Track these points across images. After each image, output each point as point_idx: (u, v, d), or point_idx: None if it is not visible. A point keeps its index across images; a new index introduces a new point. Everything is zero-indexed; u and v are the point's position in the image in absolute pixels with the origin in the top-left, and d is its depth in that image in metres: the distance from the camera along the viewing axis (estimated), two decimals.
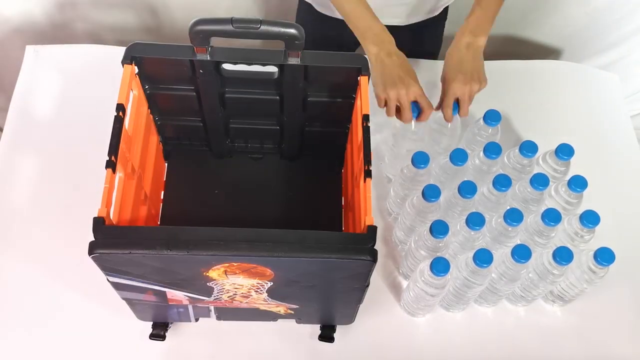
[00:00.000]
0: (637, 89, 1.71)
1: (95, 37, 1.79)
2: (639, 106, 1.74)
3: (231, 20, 0.91)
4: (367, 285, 0.93)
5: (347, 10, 1.17)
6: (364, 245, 0.84)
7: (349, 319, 1.10)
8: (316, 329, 1.13)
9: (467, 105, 1.16)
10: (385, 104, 1.14)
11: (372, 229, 0.85)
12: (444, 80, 1.17)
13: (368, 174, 0.92)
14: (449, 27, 1.52)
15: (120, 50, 0.97)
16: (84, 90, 1.39)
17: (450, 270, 1.00)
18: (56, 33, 1.76)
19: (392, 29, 1.15)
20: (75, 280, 1.16)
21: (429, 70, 1.46)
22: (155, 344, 1.10)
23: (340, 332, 1.13)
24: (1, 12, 1.66)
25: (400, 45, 1.14)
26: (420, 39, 1.50)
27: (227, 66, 1.02)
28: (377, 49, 1.13)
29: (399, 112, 1.14)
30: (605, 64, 1.74)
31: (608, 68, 1.66)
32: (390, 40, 1.15)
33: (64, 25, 1.75)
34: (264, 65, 1.01)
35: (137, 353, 1.12)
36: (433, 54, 1.57)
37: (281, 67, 1.01)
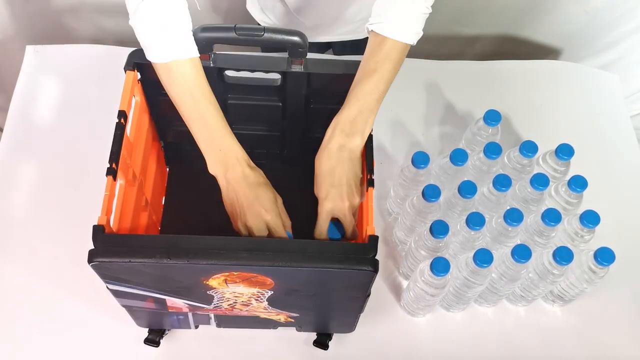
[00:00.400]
0: (637, 89, 1.70)
1: (96, 41, 1.78)
2: (639, 106, 1.74)
3: (234, 28, 0.91)
4: (369, 295, 0.92)
5: (184, 109, 0.95)
6: (365, 255, 0.83)
7: (350, 327, 1.10)
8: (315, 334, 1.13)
9: (351, 224, 0.96)
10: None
11: (374, 239, 0.84)
12: (317, 196, 0.96)
13: (370, 182, 0.91)
14: (452, 27, 1.51)
15: (121, 50, 0.96)
16: (85, 90, 1.39)
17: (450, 270, 1.00)
18: (56, 33, 1.75)
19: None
20: (74, 286, 1.15)
21: (429, 70, 1.46)
22: (154, 350, 1.10)
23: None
24: (1, 12, 1.65)
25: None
26: None
27: (230, 73, 1.02)
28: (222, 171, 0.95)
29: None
30: (605, 64, 1.73)
31: (608, 68, 1.65)
32: (238, 157, 0.96)
33: (64, 27, 1.74)
34: (267, 72, 1.00)
35: (137, 359, 1.12)
36: None
37: (284, 74, 1.00)
